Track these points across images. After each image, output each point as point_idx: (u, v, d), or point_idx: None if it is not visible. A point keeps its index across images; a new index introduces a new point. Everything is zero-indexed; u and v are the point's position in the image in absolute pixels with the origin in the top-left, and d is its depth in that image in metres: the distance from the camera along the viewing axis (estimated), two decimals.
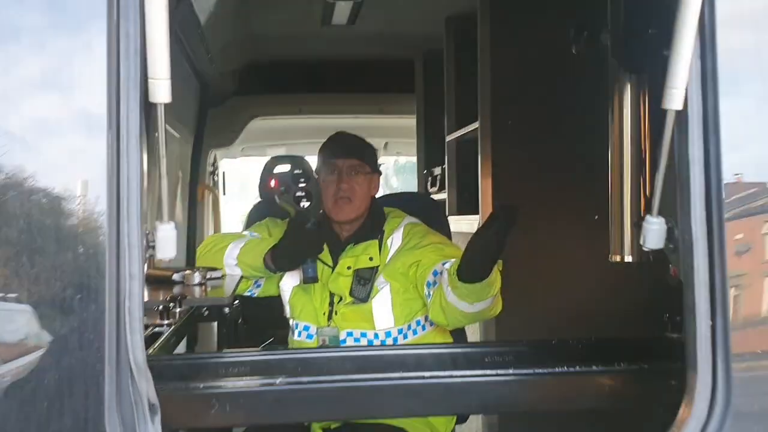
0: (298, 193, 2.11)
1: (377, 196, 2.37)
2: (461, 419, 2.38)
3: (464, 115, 3.44)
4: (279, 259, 2.14)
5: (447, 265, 1.89)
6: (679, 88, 0.99)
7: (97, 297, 0.87)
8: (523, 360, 1.42)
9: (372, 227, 2.27)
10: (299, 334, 2.27)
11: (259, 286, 2.33)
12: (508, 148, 3.00)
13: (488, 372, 1.33)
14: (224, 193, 4.46)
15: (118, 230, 0.88)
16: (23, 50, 0.91)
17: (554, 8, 2.26)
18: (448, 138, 3.64)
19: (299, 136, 4.36)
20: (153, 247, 0.95)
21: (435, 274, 2.04)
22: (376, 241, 2.25)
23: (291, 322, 2.32)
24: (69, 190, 0.90)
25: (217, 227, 4.29)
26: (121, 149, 0.88)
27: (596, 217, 1.72)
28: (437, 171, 3.85)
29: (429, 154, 4.07)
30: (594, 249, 1.65)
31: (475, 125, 3.22)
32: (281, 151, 4.43)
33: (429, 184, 3.92)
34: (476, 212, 3.25)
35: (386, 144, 4.68)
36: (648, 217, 1.11)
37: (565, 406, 1.40)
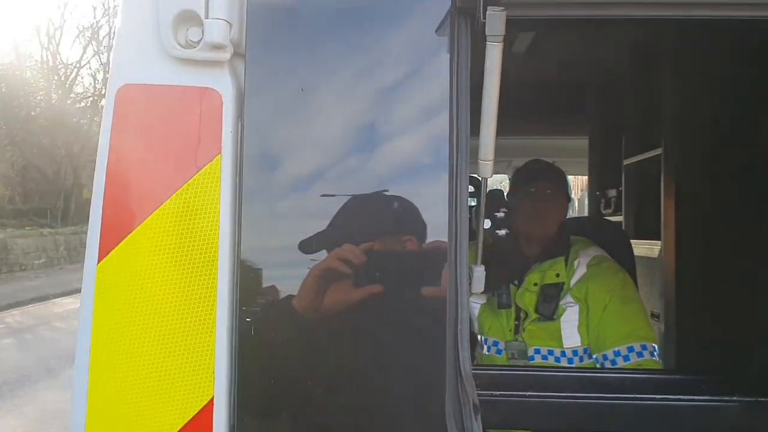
0: (496, 221, 2.39)
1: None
2: None
3: (645, 140, 3.57)
4: None
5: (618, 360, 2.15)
6: None
7: (442, 322, 1.20)
8: (736, 389, 1.59)
9: (559, 247, 2.47)
10: (488, 349, 2.49)
11: None
12: (692, 178, 3.10)
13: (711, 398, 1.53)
14: None
15: (456, 271, 1.21)
16: None
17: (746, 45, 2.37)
18: (626, 161, 3.78)
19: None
20: (470, 283, 1.27)
21: (605, 358, 2.25)
22: (563, 259, 2.44)
23: (479, 337, 2.52)
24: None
25: None
26: (459, 209, 1.21)
27: None
28: (612, 193, 3.99)
29: (601, 175, 4.21)
30: None
31: (658, 151, 3.35)
32: None
33: (603, 205, 4.07)
34: (656, 238, 3.38)
35: (553, 162, 4.85)
36: None
37: None
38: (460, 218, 1.21)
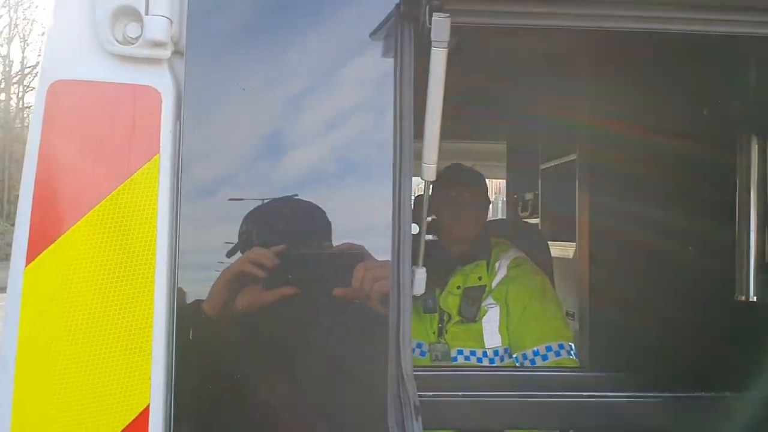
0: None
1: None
2: None
3: (560, 146, 3.72)
4: None
5: (537, 359, 2.24)
6: None
7: (384, 324, 1.22)
8: (648, 385, 1.71)
9: (480, 250, 2.55)
10: (413, 351, 2.58)
11: None
12: (605, 184, 3.26)
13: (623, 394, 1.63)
14: None
15: (399, 273, 1.23)
16: None
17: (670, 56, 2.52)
18: (543, 166, 3.93)
19: None
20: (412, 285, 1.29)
21: (525, 357, 2.31)
22: (485, 262, 2.52)
23: None
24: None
25: None
26: (402, 219, 1.23)
27: (690, 248, 1.99)
28: (528, 196, 4.13)
29: (519, 179, 4.35)
30: (696, 282, 1.92)
31: (573, 156, 3.50)
32: None
33: (520, 208, 4.21)
34: (571, 240, 3.53)
35: (472, 166, 4.97)
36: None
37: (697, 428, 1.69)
38: (403, 220, 1.23)
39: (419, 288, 1.32)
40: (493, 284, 2.48)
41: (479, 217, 2.61)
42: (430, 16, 1.18)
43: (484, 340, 2.42)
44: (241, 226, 1.22)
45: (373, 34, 1.25)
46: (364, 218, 1.26)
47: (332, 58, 1.26)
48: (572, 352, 2.34)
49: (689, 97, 2.22)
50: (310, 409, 1.23)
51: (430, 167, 1.26)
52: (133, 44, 1.18)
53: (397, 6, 1.24)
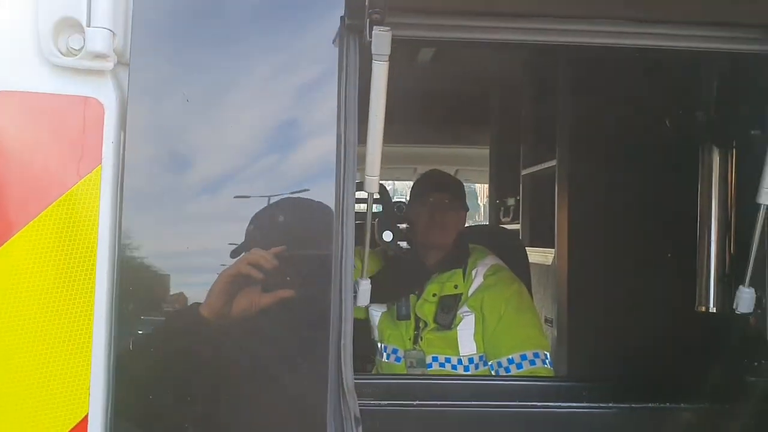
0: (398, 233, 2.42)
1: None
2: None
3: (540, 151, 3.73)
4: (378, 294, 2.49)
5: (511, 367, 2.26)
6: None
7: (325, 336, 1.22)
8: (620, 394, 1.72)
9: (457, 257, 2.55)
10: (388, 357, 2.55)
11: None
12: (585, 190, 3.27)
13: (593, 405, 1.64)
14: None
15: (341, 285, 1.23)
16: None
17: (638, 69, 2.54)
18: (524, 172, 3.94)
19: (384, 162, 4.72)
20: (356, 297, 1.30)
21: (500, 365, 2.32)
22: (461, 271, 2.52)
23: (380, 345, 2.58)
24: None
25: None
26: (345, 228, 1.24)
27: (669, 254, 2.00)
28: (510, 202, 4.14)
29: (501, 184, 4.36)
30: (669, 291, 1.93)
31: (553, 163, 3.51)
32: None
33: (502, 213, 4.22)
34: (550, 245, 3.54)
35: (456, 171, 4.99)
36: (741, 287, 1.42)
37: None
38: (346, 231, 1.24)
39: (363, 299, 1.32)
40: (470, 292, 2.49)
41: (456, 223, 2.60)
42: (371, 29, 1.18)
43: (459, 348, 2.44)
44: (189, 235, 1.23)
45: (319, 45, 1.26)
46: (307, 228, 1.26)
47: (277, 69, 1.27)
48: (547, 361, 2.34)
49: (655, 108, 2.23)
50: (250, 421, 1.23)
51: (373, 179, 1.26)
52: (75, 56, 1.19)
53: (342, 18, 1.24)
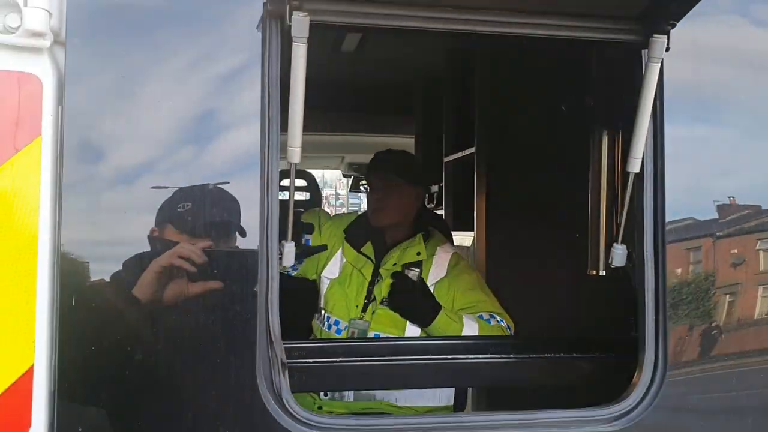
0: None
1: None
2: (459, 408, 2.87)
3: (462, 139, 3.95)
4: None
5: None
6: (638, 157, 1.54)
7: (255, 294, 1.38)
8: (520, 349, 1.94)
9: (416, 233, 2.60)
10: (329, 327, 2.54)
11: (296, 269, 2.61)
12: (500, 175, 3.51)
13: (495, 356, 1.86)
14: None
15: (267, 246, 1.39)
16: None
17: (544, 61, 2.77)
18: (446, 159, 4.16)
19: (312, 150, 4.86)
20: (281, 258, 1.46)
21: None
22: (420, 236, 2.58)
23: (322, 313, 2.59)
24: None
25: None
26: (270, 194, 1.40)
27: (577, 235, 2.23)
28: (434, 188, 4.35)
29: (426, 171, 4.56)
30: (571, 263, 2.16)
31: (472, 150, 3.73)
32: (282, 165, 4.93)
33: (427, 200, 4.42)
34: (471, 229, 3.77)
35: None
36: (615, 244, 1.66)
37: (553, 383, 1.92)
38: (271, 199, 1.40)
39: (288, 260, 1.49)
40: (432, 279, 2.53)
41: (398, 203, 2.60)
42: (290, 14, 1.34)
43: (406, 330, 2.46)
44: (129, 212, 1.37)
45: (243, 29, 1.42)
46: (237, 197, 1.42)
47: (204, 52, 1.41)
48: (504, 323, 2.41)
49: (556, 98, 2.47)
50: (187, 367, 1.38)
51: (295, 150, 1.43)
52: (13, 33, 1.30)
53: (265, 5, 1.40)
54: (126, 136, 1.38)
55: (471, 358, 1.82)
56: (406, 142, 4.84)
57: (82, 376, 1.34)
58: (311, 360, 1.78)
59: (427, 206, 4.43)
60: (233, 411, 1.38)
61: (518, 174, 3.36)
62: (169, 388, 1.39)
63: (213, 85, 1.41)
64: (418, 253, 2.56)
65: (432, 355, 1.87)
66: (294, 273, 2.64)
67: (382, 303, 2.50)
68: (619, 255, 1.65)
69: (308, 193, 4.59)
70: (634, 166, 1.55)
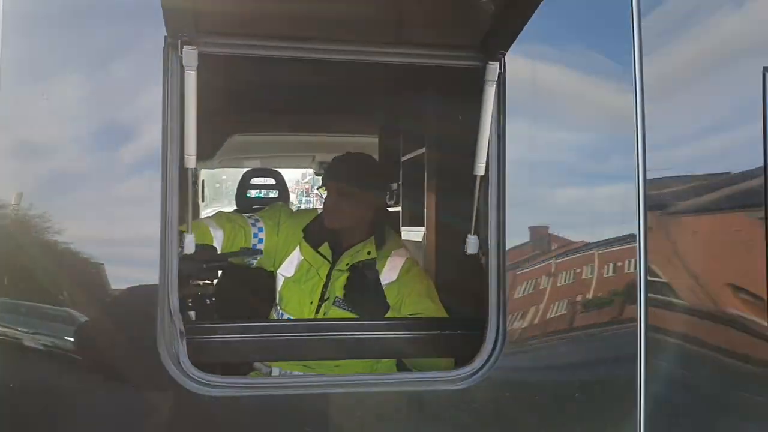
0: None
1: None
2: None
3: (415, 140, 4.21)
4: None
5: None
6: (482, 162, 1.85)
7: (156, 271, 1.70)
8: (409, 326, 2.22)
9: (371, 235, 2.75)
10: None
11: (256, 259, 2.78)
12: (445, 174, 3.76)
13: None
14: (203, 200, 5.31)
15: (166, 236, 1.71)
16: None
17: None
18: (403, 158, 4.44)
19: (274, 150, 5.14)
20: (182, 247, 1.78)
21: None
22: (373, 243, 2.72)
23: (278, 308, 2.77)
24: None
25: None
26: (169, 193, 1.72)
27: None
28: (394, 186, 4.64)
29: (385, 173, 4.81)
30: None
31: (422, 150, 4.01)
32: (257, 164, 5.23)
33: (387, 197, 4.70)
34: (422, 225, 4.04)
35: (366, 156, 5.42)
36: (468, 235, 1.97)
37: (425, 354, 2.21)
38: (171, 195, 1.72)
39: (189, 248, 1.81)
40: (385, 280, 2.68)
41: (352, 210, 2.72)
42: (182, 48, 1.66)
43: None
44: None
45: (147, 57, 1.73)
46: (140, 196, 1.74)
47: (112, 73, 1.73)
48: None
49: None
50: (94, 338, 1.71)
51: (191, 157, 1.74)
52: None
53: (165, 38, 1.71)
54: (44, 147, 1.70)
55: (365, 335, 2.12)
56: (372, 142, 5.12)
57: None
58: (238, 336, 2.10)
59: (388, 203, 4.72)
60: (139, 372, 1.71)
61: (462, 174, 3.59)
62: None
63: (117, 106, 1.73)
64: (369, 252, 2.69)
65: (335, 332, 2.18)
66: (254, 263, 2.80)
67: (334, 303, 2.68)
68: (472, 244, 1.97)
69: (277, 191, 4.91)
70: (479, 170, 1.86)
